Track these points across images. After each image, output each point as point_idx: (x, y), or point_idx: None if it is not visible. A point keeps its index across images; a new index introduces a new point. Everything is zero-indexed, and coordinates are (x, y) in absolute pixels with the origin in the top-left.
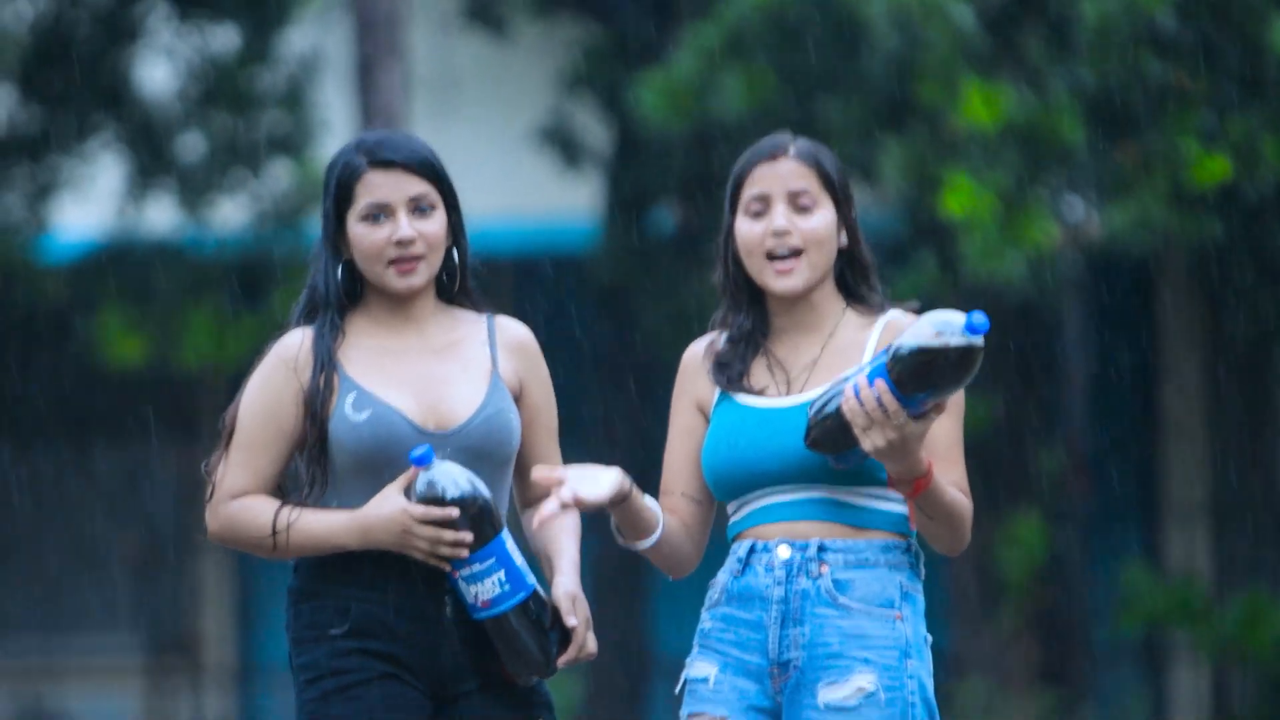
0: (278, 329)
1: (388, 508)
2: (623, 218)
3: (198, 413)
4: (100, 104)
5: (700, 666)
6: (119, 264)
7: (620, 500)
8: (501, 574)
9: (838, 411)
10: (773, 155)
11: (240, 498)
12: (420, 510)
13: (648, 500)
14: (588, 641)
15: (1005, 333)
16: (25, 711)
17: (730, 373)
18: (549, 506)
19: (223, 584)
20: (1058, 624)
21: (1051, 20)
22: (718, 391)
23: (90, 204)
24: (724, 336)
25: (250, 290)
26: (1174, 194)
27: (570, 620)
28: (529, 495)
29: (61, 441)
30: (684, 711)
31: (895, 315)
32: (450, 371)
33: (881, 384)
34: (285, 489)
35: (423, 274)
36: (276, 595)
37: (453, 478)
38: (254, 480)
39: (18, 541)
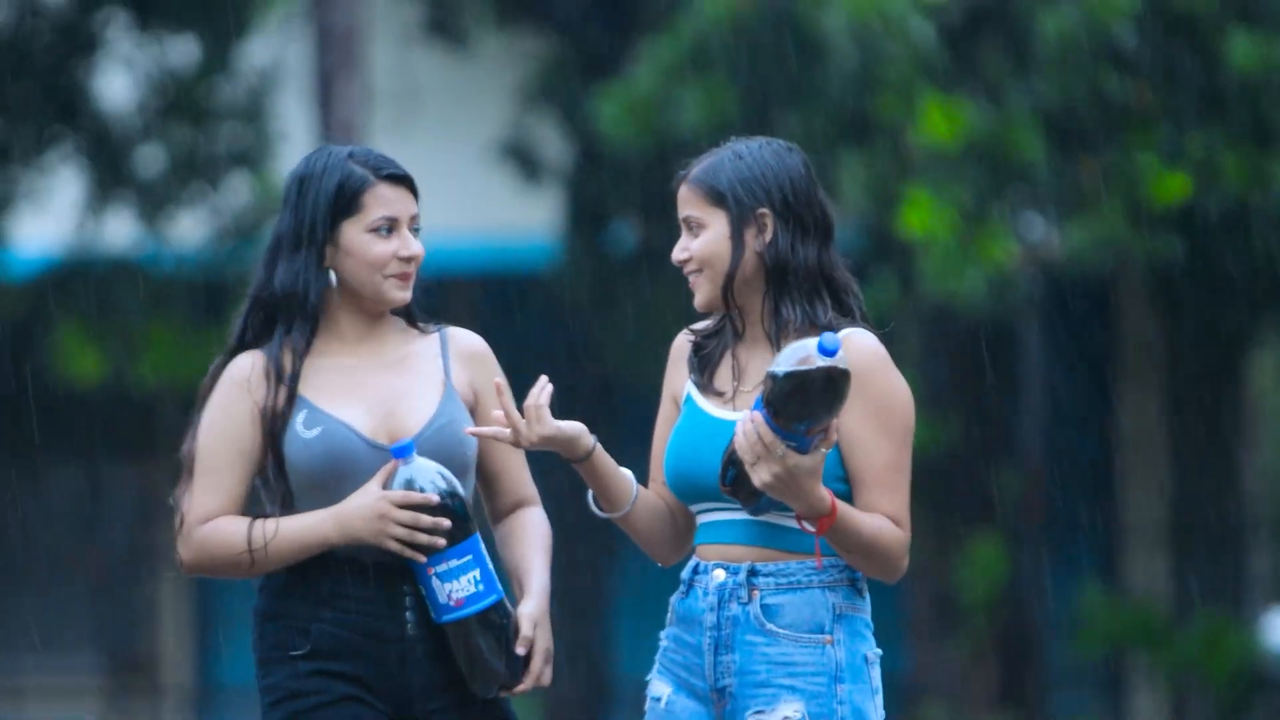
0: (222, 345)
1: (365, 497)
2: (583, 233)
3: (156, 430)
4: (59, 116)
5: (657, 685)
6: (78, 279)
7: (582, 457)
8: (477, 573)
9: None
10: (677, 182)
11: (208, 521)
12: (399, 495)
13: (623, 471)
14: (544, 673)
15: (964, 352)
16: None
17: (701, 364)
18: (500, 432)
19: (180, 604)
20: (1017, 646)
21: (1011, 35)
22: (686, 390)
23: (49, 218)
24: (709, 325)
25: (210, 306)
26: (1133, 211)
27: (520, 649)
28: (498, 507)
29: (18, 458)
30: None
31: (849, 334)
32: (404, 384)
33: (758, 415)
34: (247, 509)
35: (410, 288)
36: (234, 615)
37: (431, 473)
38: (222, 501)
39: None
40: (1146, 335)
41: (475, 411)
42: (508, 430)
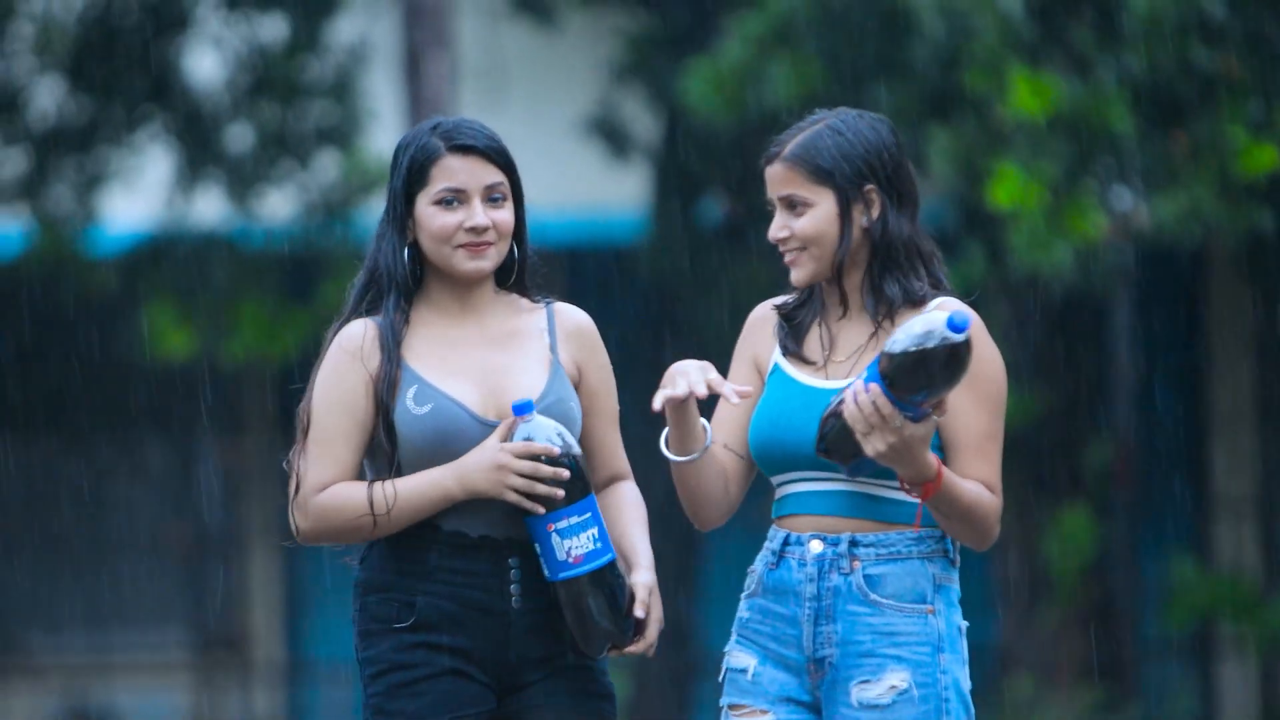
0: (335, 313)
1: (484, 451)
2: (671, 207)
3: (246, 406)
4: (148, 95)
5: (740, 657)
6: (167, 256)
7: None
8: (595, 530)
9: (842, 418)
10: (769, 159)
11: (325, 489)
12: (519, 446)
13: (702, 420)
14: (655, 640)
15: (1053, 325)
16: (73, 709)
17: (791, 332)
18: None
19: (271, 579)
20: (1105, 618)
21: (1099, 8)
22: (773, 360)
23: (139, 195)
24: (795, 297)
25: (298, 283)
26: (1222, 184)
27: (640, 612)
28: (595, 481)
29: (110, 435)
30: (724, 700)
31: (943, 301)
32: (510, 361)
33: (875, 388)
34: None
35: (491, 258)
36: (324, 591)
37: (549, 430)
38: (337, 471)
39: (66, 536)
40: (1236, 307)
41: (579, 388)
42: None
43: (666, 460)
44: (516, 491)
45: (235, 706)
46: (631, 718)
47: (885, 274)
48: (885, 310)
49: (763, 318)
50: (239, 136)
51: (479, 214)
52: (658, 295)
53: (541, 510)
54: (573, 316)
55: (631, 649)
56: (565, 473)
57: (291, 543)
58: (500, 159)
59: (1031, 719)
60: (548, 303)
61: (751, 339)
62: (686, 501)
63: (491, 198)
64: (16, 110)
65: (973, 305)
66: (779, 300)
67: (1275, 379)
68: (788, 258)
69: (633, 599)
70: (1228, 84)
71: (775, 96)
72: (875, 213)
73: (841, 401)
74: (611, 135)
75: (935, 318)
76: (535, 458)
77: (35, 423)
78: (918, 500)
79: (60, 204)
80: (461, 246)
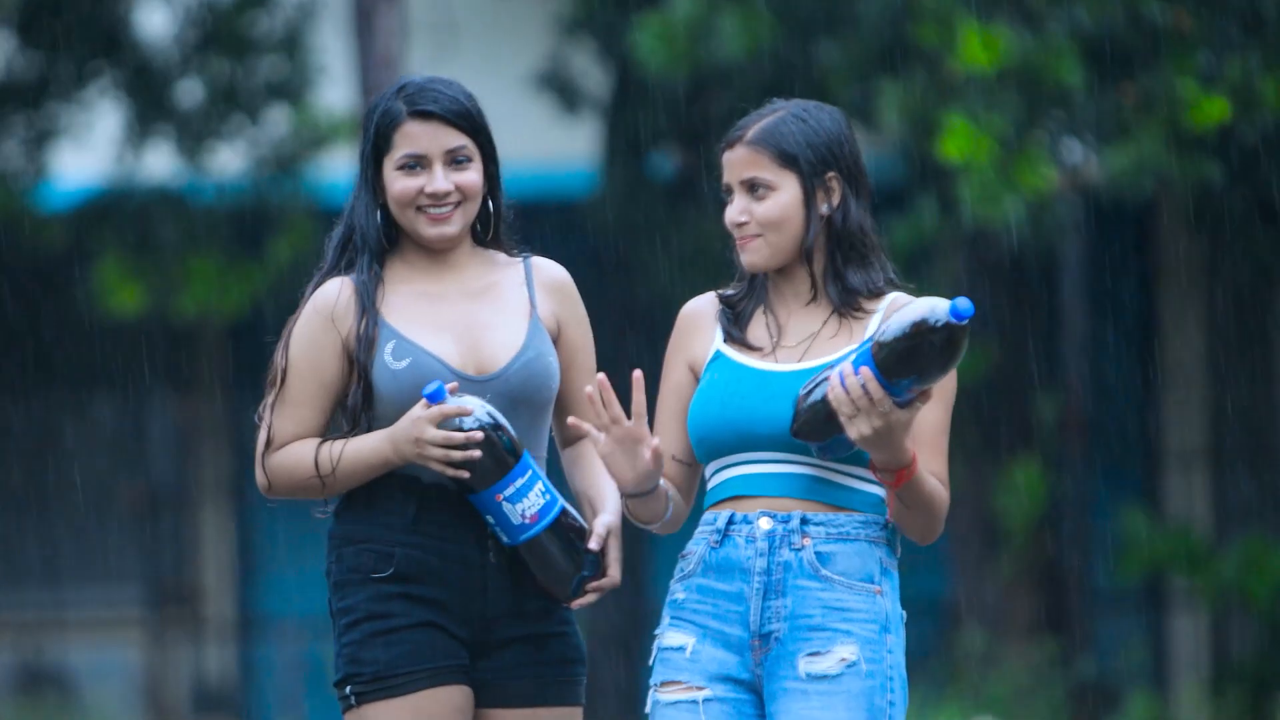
0: (315, 269)
1: (406, 420)
2: (622, 161)
3: (197, 362)
4: (98, 50)
5: (675, 636)
6: (118, 212)
7: (645, 491)
8: (540, 485)
9: (824, 399)
10: (729, 144)
11: (284, 448)
12: (434, 412)
13: (664, 485)
14: (616, 574)
15: (1004, 278)
16: (26, 665)
17: (735, 321)
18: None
19: (223, 535)
20: (1057, 572)
21: None
22: (713, 349)
23: (89, 151)
24: (734, 288)
25: (249, 238)
26: (1173, 136)
27: (594, 545)
28: (568, 434)
29: (61, 391)
30: (656, 679)
31: (896, 297)
32: (489, 315)
33: (866, 370)
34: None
35: (456, 223)
36: (276, 547)
37: (470, 403)
38: (299, 430)
39: (17, 493)
40: (1186, 259)
41: (558, 342)
42: (600, 435)
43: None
44: (436, 457)
45: (187, 662)
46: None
47: (848, 264)
48: (849, 300)
49: (696, 313)
50: (189, 91)
51: (439, 179)
52: (609, 250)
53: (466, 475)
54: (551, 271)
55: (597, 584)
56: (479, 435)
57: (275, 503)
58: (463, 121)
59: (984, 673)
60: (525, 257)
61: (684, 340)
62: (644, 525)
63: (455, 160)
64: None
65: (924, 259)
66: (708, 297)
67: (1225, 331)
68: (742, 242)
69: (588, 536)
70: (1177, 36)
71: (725, 50)
72: (836, 200)
73: (820, 383)
74: (562, 90)
75: (935, 303)
76: (451, 423)
77: None
78: (888, 485)
79: (10, 160)
80: (422, 212)
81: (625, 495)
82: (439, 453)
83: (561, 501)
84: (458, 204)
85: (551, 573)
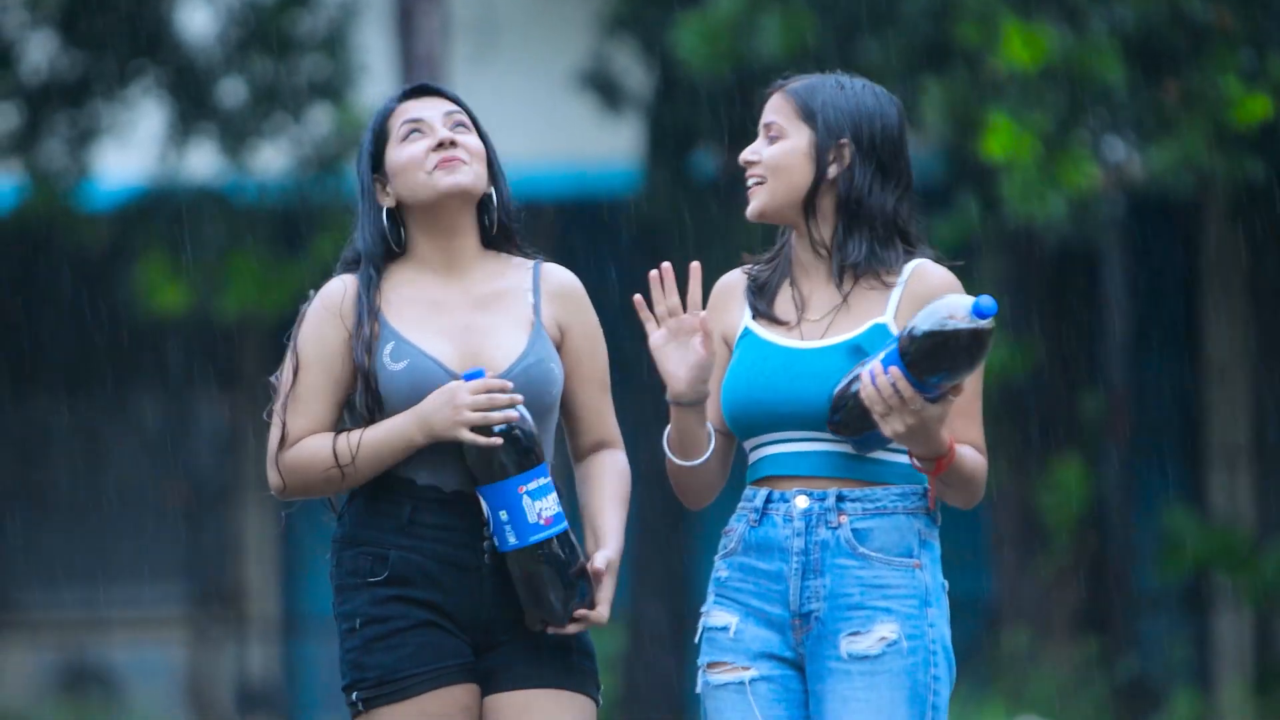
0: (323, 276)
1: (442, 390)
2: (663, 160)
3: (240, 360)
4: (141, 49)
5: (720, 615)
6: (160, 211)
7: (697, 399)
8: (555, 495)
9: (857, 396)
10: (771, 90)
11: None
12: (479, 383)
13: (708, 424)
14: (603, 611)
15: (1047, 276)
16: (69, 664)
17: (761, 295)
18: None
19: (265, 534)
20: (1100, 570)
21: None
22: (743, 324)
23: (132, 150)
24: (761, 261)
25: (291, 237)
26: (1215, 133)
27: (596, 583)
28: (580, 446)
29: (104, 390)
30: (703, 659)
31: (919, 266)
32: (492, 321)
33: (896, 370)
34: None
35: (468, 175)
36: (319, 545)
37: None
38: (311, 426)
39: (61, 492)
40: (1230, 256)
41: (562, 350)
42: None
43: (664, 450)
44: (473, 417)
45: (230, 661)
46: (627, 678)
47: (851, 233)
48: (847, 269)
49: (728, 287)
50: (231, 90)
51: (441, 130)
52: (650, 249)
53: (499, 442)
54: (558, 277)
55: (584, 613)
56: (515, 415)
57: (270, 497)
58: (459, 104)
59: (1026, 672)
60: (536, 262)
61: (716, 315)
62: (681, 494)
63: (455, 124)
64: (9, 65)
65: (966, 257)
66: (739, 271)
67: (1269, 327)
68: (749, 189)
69: (582, 568)
70: (1220, 33)
71: (767, 49)
72: (843, 166)
73: (854, 380)
74: (603, 88)
75: (959, 301)
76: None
77: (30, 378)
78: (929, 474)
79: (53, 159)
80: (435, 167)
81: (674, 404)
82: (477, 416)
83: (567, 522)
84: (465, 160)
85: (543, 587)
